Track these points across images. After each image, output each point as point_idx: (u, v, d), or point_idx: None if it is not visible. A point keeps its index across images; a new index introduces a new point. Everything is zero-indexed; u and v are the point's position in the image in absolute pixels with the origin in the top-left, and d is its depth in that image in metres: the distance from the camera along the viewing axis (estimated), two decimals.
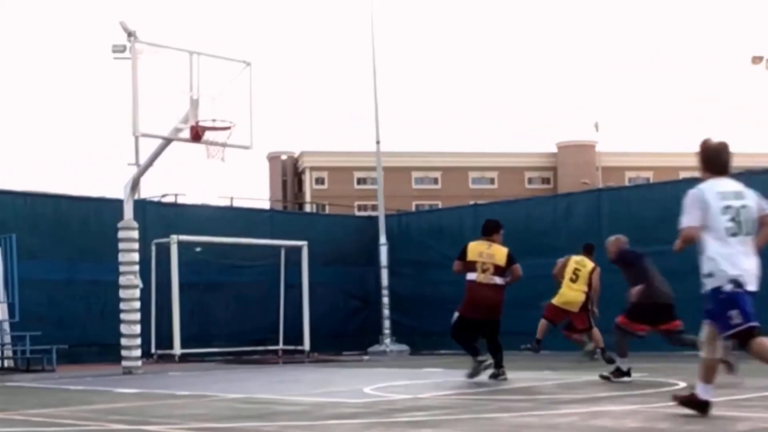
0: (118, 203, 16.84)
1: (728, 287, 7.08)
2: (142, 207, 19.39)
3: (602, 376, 11.71)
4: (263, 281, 21.99)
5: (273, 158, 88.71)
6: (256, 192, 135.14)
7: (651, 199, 19.45)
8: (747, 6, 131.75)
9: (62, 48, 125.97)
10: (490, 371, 12.10)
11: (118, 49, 26.76)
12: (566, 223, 20.52)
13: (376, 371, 15.54)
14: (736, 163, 7.79)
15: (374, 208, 26.04)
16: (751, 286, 7.16)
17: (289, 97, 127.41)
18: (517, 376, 12.36)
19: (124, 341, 16.16)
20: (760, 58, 37.59)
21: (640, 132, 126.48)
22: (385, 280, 22.55)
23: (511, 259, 12.30)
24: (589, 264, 15.79)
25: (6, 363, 17.14)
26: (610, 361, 13.19)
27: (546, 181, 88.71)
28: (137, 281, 16.43)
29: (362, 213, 54.41)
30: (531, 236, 19.90)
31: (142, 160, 19.40)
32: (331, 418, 8.08)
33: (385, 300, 22.47)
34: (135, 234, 16.39)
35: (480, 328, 12.36)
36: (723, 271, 7.11)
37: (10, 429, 7.90)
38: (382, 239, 22.85)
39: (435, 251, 21.93)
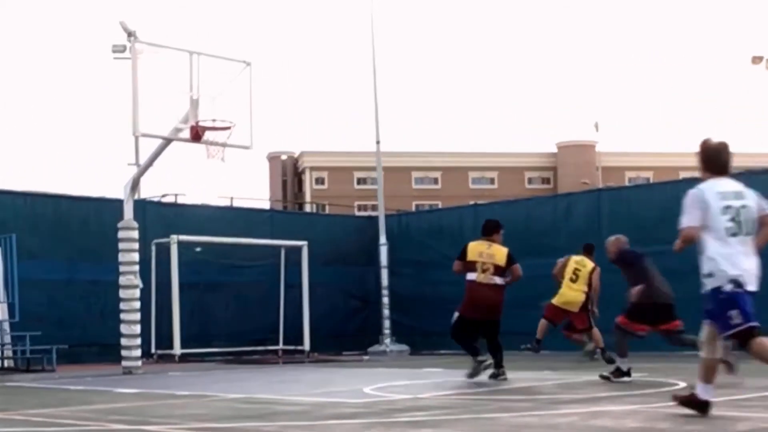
0: (118, 203, 16.84)
1: (728, 287, 7.09)
2: (142, 207, 19.39)
3: (602, 376, 11.70)
4: (263, 281, 21.99)
5: (273, 158, 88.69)
6: (256, 192, 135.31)
7: (651, 199, 19.45)
8: (747, 6, 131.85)
9: (62, 48, 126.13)
10: (490, 371, 12.10)
11: (118, 49, 26.76)
12: (566, 223, 20.52)
13: (376, 371, 15.54)
14: (736, 163, 7.79)
15: (374, 208, 26.04)
16: (751, 286, 7.16)
17: (289, 97, 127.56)
18: (517, 376, 12.36)
19: (124, 341, 16.17)
20: (760, 58, 37.58)
21: (640, 132, 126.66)
22: (385, 280, 22.54)
23: (511, 259, 12.30)
24: (589, 264, 15.79)
25: (6, 363, 17.14)
26: (610, 361, 13.18)
27: (546, 181, 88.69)
28: (137, 281, 16.43)
29: (362, 213, 54.40)
30: (531, 236, 19.90)
31: (142, 160, 19.40)
32: (331, 418, 8.07)
33: (385, 300, 22.46)
34: (135, 234, 16.39)
35: (480, 328, 12.35)
36: (723, 271, 7.11)
37: (10, 429, 7.89)
38: (382, 239, 22.84)
39: (435, 251, 21.92)
